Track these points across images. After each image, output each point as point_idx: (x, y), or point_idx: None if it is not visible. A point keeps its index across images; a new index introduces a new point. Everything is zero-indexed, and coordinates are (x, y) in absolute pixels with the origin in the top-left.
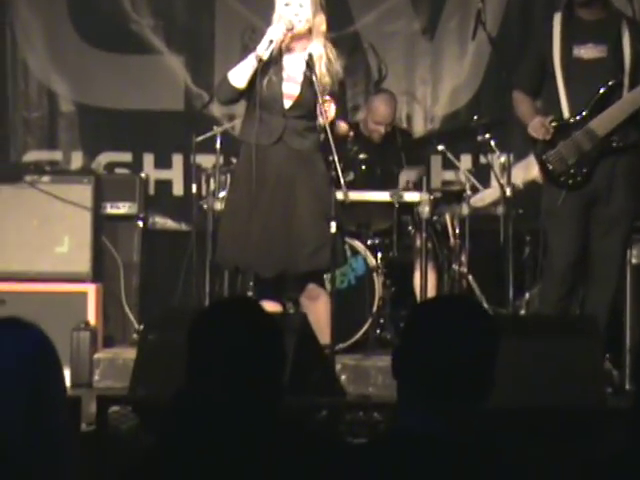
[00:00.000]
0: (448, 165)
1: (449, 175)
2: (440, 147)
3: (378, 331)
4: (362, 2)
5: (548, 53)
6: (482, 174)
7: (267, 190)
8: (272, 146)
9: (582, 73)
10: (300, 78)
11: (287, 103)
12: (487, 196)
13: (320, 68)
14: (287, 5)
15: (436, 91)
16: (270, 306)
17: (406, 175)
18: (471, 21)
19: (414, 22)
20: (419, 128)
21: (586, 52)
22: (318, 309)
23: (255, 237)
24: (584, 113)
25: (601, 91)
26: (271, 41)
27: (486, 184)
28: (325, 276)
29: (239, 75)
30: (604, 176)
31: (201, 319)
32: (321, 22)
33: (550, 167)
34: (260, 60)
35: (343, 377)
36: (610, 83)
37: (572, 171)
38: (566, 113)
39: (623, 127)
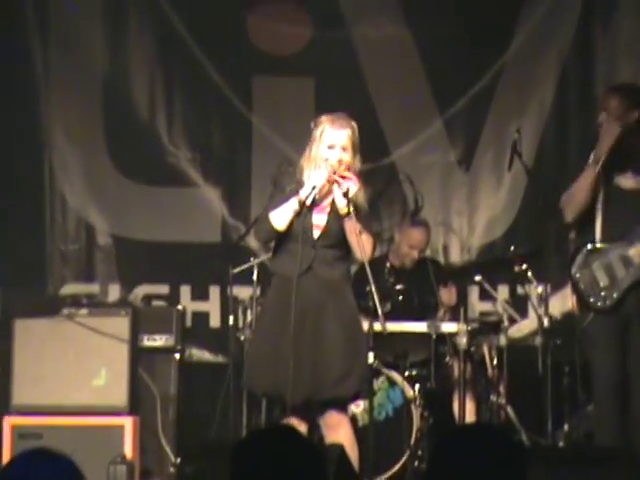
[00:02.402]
0: (485, 296)
1: (486, 306)
2: (477, 278)
3: (416, 463)
4: (398, 133)
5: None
6: (519, 305)
7: (296, 319)
8: (302, 276)
9: (620, 202)
10: (327, 208)
11: (316, 233)
12: (524, 327)
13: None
14: (330, 148)
15: (472, 221)
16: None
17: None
18: (507, 152)
19: (450, 153)
20: (455, 258)
21: (626, 181)
22: (339, 438)
23: (283, 365)
24: (622, 240)
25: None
26: (314, 187)
27: (523, 315)
28: (362, 406)
29: (281, 218)
30: (635, 304)
31: (244, 448)
32: (357, 161)
33: (582, 287)
34: (303, 205)
35: None
36: None
37: (602, 294)
38: (599, 238)
39: None
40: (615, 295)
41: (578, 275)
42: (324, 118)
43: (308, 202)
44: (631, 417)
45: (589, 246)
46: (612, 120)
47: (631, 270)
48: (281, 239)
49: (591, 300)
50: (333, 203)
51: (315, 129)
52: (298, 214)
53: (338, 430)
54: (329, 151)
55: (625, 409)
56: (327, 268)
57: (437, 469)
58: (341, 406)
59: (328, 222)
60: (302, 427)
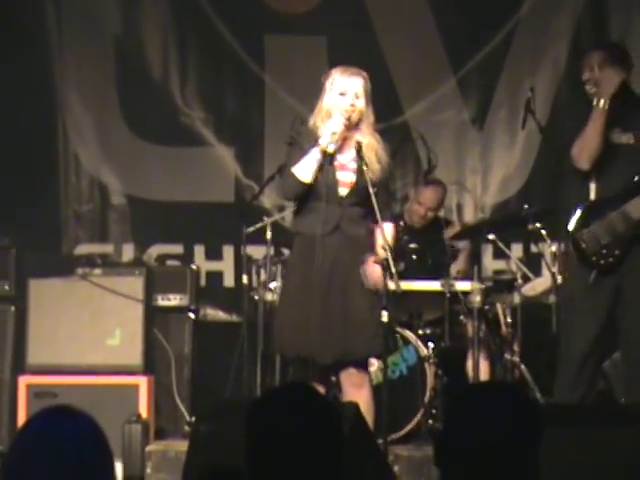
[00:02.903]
0: (499, 254)
1: (500, 264)
2: (491, 236)
3: (430, 421)
4: (411, 92)
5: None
6: (533, 263)
7: (324, 278)
8: (328, 235)
9: (612, 157)
10: (353, 165)
11: (343, 191)
12: (538, 285)
13: (370, 157)
14: (343, 95)
15: (486, 180)
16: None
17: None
18: (520, 110)
19: (463, 112)
20: (469, 217)
21: (617, 137)
22: (362, 397)
23: (313, 325)
24: (619, 195)
25: (637, 178)
26: (334, 132)
27: (537, 273)
28: (376, 364)
29: (305, 170)
30: (636, 262)
31: (261, 406)
32: (371, 113)
33: (583, 246)
34: (325, 153)
35: (396, 468)
36: None
37: (604, 251)
38: (593, 195)
39: None
40: (617, 252)
41: (578, 235)
42: (334, 69)
43: (330, 149)
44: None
45: (586, 204)
46: (610, 70)
47: (631, 224)
48: (304, 198)
49: (593, 259)
50: (356, 161)
51: (325, 80)
52: (322, 166)
53: (361, 389)
54: (341, 98)
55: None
56: (354, 226)
57: (452, 427)
58: (365, 365)
59: (356, 180)
60: (320, 388)
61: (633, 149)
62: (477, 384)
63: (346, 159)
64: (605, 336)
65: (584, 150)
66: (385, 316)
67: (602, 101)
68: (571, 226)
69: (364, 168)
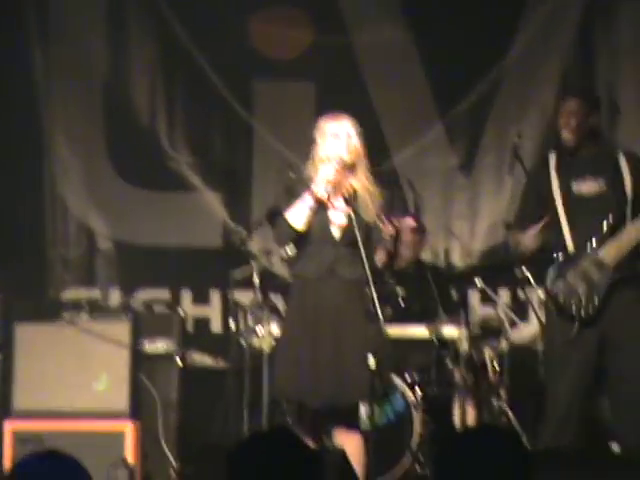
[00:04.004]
0: (486, 300)
1: (487, 310)
2: (478, 282)
3: (418, 468)
4: (398, 138)
5: (548, 192)
6: (520, 309)
7: (317, 323)
8: (323, 278)
9: (583, 208)
10: (345, 207)
11: (336, 232)
12: (526, 331)
13: (365, 199)
14: (335, 137)
15: (474, 226)
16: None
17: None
18: (508, 156)
19: (451, 158)
20: (457, 263)
21: (586, 187)
22: (352, 442)
23: (306, 369)
24: (591, 245)
25: (605, 223)
26: (328, 181)
27: (525, 319)
28: (364, 412)
29: (298, 217)
30: (616, 308)
31: (242, 451)
32: (364, 154)
33: (561, 298)
34: (318, 201)
35: None
36: (611, 216)
37: (583, 301)
38: (570, 247)
39: (630, 257)
40: (596, 300)
41: (555, 288)
42: (321, 119)
43: (322, 195)
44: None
45: (560, 256)
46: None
47: (606, 272)
48: (300, 243)
49: (574, 310)
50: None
51: (316, 131)
52: (314, 212)
53: (351, 438)
54: (334, 141)
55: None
56: (349, 268)
57: (443, 471)
58: (356, 413)
59: (349, 221)
60: (312, 432)
61: (602, 196)
62: (468, 428)
63: (339, 200)
64: (592, 383)
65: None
66: (372, 362)
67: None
68: (548, 279)
69: (352, 216)
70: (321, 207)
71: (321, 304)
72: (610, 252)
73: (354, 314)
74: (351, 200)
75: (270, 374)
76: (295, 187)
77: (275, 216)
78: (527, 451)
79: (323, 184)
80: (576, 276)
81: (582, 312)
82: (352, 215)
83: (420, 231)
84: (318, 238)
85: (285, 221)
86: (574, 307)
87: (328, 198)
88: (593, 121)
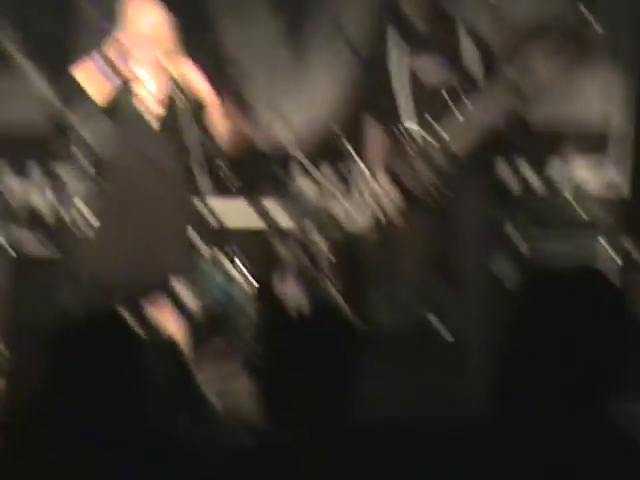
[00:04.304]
0: (310, 176)
1: (313, 187)
2: (303, 159)
3: (250, 352)
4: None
5: (384, 69)
6: (346, 184)
7: (133, 202)
8: (139, 159)
9: (423, 87)
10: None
11: (153, 113)
12: (358, 217)
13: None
14: (146, 14)
15: (300, 103)
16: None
17: None
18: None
19: (276, 30)
20: (282, 140)
21: (423, 63)
22: (173, 326)
23: (116, 249)
24: (427, 124)
25: (448, 103)
26: (142, 58)
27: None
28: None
29: (100, 91)
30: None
31: (67, 335)
32: (174, 31)
33: (400, 178)
34: (128, 77)
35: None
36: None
37: (428, 187)
38: (410, 127)
39: (475, 144)
40: (438, 185)
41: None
42: None
43: (134, 72)
44: None
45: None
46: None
47: (449, 157)
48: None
49: (411, 194)
50: None
51: (124, 5)
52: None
53: (172, 323)
54: (143, 18)
55: None
56: (167, 150)
57: (280, 353)
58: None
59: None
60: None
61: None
62: (301, 312)
63: (156, 80)
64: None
65: None
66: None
67: None
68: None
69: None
70: (134, 85)
71: (137, 185)
72: (451, 136)
73: (171, 192)
74: (170, 80)
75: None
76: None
77: None
78: (356, 329)
79: (137, 60)
80: (420, 160)
81: (426, 198)
82: (172, 95)
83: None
84: (129, 119)
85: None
86: (418, 192)
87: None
88: None
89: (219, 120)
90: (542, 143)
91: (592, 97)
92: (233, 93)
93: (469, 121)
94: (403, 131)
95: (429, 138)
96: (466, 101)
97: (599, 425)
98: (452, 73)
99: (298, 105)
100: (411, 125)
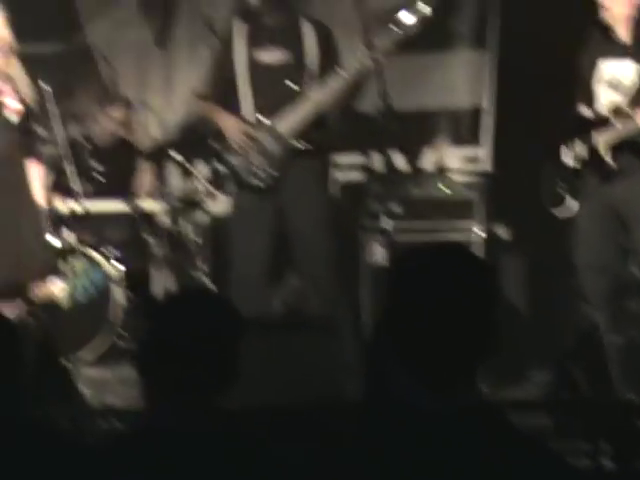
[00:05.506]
0: (184, 173)
1: (186, 184)
2: (176, 156)
3: (122, 343)
4: (92, 11)
5: (228, 59)
6: (218, 181)
7: None
8: None
9: (266, 77)
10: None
11: (12, 116)
12: (224, 203)
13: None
14: None
15: (170, 99)
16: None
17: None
18: (201, 28)
19: (146, 30)
20: (155, 137)
21: (270, 56)
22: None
23: None
24: (268, 116)
25: (284, 94)
26: None
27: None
28: (60, 287)
29: None
30: (294, 178)
31: None
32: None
33: (239, 171)
34: None
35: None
36: (294, 87)
37: (262, 173)
38: (249, 117)
39: (309, 129)
40: (273, 171)
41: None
42: None
43: None
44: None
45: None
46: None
47: (281, 142)
48: None
49: (247, 181)
50: None
51: None
52: None
53: None
54: None
55: None
56: (27, 150)
57: (147, 342)
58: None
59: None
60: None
61: (285, 65)
62: (171, 295)
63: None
64: (275, 249)
65: None
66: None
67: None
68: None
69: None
70: None
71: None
72: (286, 123)
73: (29, 198)
74: (20, 87)
75: None
76: None
77: None
78: (235, 311)
79: None
80: (253, 148)
81: (260, 183)
82: (23, 101)
83: (128, 109)
84: None
85: None
86: (253, 178)
87: None
88: None
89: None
90: (412, 132)
91: (461, 85)
92: (107, 92)
93: (306, 106)
94: (247, 119)
95: (267, 123)
96: (304, 88)
97: (472, 400)
98: (292, 61)
99: (169, 104)
100: (251, 113)
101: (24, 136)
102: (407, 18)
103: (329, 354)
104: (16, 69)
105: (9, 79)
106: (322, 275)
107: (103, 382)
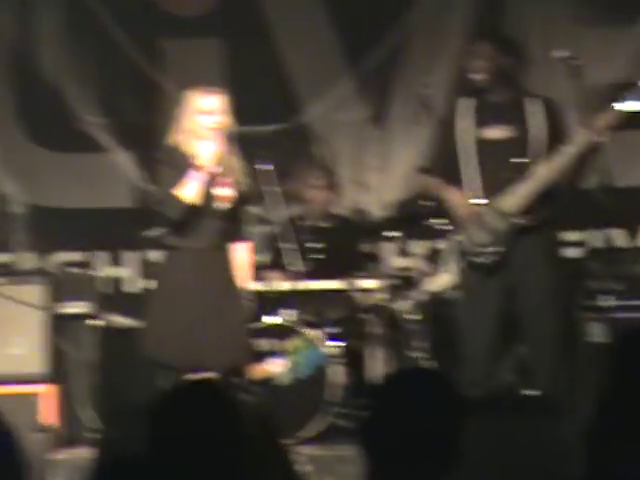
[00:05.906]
0: (402, 252)
1: (403, 261)
2: (393, 233)
3: (342, 422)
4: (309, 92)
5: (451, 136)
6: (436, 260)
7: (198, 290)
8: (207, 249)
9: (492, 154)
10: (227, 180)
11: (222, 205)
12: (441, 281)
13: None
14: (211, 112)
15: (387, 178)
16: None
17: None
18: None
19: (362, 110)
20: (372, 215)
21: (495, 133)
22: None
23: (183, 334)
24: (493, 193)
25: (510, 171)
26: (215, 153)
27: (440, 269)
28: (281, 366)
29: (191, 191)
30: (522, 255)
31: (163, 405)
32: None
33: (467, 249)
34: (209, 173)
35: (307, 468)
36: (518, 161)
37: (489, 250)
38: (475, 193)
39: (534, 205)
40: (500, 249)
41: (460, 239)
42: (192, 90)
43: (214, 169)
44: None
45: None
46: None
47: (507, 220)
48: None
49: (478, 261)
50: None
51: (185, 100)
52: (205, 185)
53: None
54: (206, 117)
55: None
56: (232, 238)
57: (375, 415)
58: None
59: (233, 191)
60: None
61: (511, 142)
62: (395, 373)
63: (223, 175)
64: (503, 330)
65: None
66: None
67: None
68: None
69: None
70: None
71: (202, 276)
72: (511, 200)
73: (234, 283)
74: (234, 173)
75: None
76: (169, 157)
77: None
78: (457, 392)
79: (212, 157)
80: (478, 226)
81: (488, 261)
82: (237, 186)
83: (329, 187)
84: (203, 211)
85: (175, 197)
86: (479, 257)
87: (214, 171)
88: (504, 64)
89: None
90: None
91: None
92: (323, 169)
93: (532, 183)
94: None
95: (493, 200)
96: (529, 165)
97: None
98: (517, 138)
99: (386, 182)
100: (477, 189)
101: (232, 221)
102: (632, 105)
103: (551, 437)
104: (234, 156)
105: (230, 170)
106: (549, 353)
107: (322, 461)
